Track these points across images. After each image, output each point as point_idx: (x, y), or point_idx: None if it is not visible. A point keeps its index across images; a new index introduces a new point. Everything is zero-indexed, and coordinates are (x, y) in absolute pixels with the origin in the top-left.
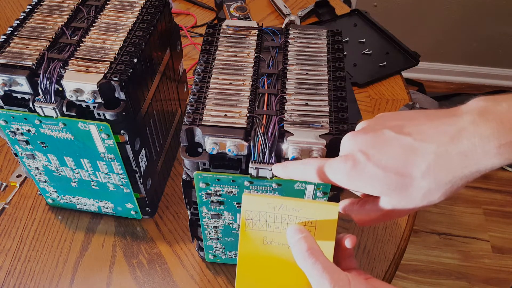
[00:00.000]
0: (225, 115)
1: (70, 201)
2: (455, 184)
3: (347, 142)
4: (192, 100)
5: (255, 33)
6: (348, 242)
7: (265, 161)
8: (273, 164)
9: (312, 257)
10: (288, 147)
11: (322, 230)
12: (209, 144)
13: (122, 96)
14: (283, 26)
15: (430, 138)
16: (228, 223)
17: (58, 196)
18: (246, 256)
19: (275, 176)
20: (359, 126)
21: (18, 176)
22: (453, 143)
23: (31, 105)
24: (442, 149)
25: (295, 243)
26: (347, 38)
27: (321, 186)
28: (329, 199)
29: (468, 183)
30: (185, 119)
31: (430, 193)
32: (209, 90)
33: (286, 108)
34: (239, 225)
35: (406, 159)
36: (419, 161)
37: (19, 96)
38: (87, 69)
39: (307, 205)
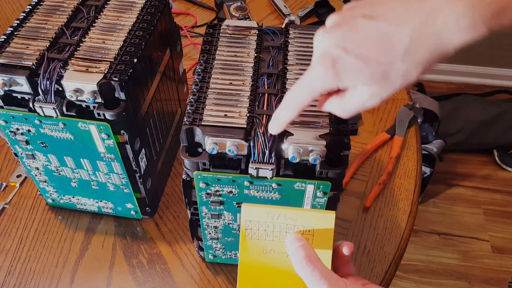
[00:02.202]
0: (225, 115)
1: (70, 201)
2: (431, 61)
3: (321, 40)
4: (192, 100)
5: (255, 33)
6: (346, 250)
7: (265, 161)
8: (273, 164)
9: (310, 264)
10: (288, 147)
11: (319, 238)
12: (209, 144)
13: (122, 96)
14: (283, 26)
15: (404, 21)
16: (228, 223)
17: (58, 196)
18: (247, 266)
19: (275, 176)
20: (329, 22)
21: (18, 176)
22: (427, 24)
23: (31, 105)
24: (417, 31)
25: (293, 251)
26: None
27: (321, 186)
28: (329, 199)
29: (443, 60)
30: (185, 119)
31: (408, 73)
32: (209, 90)
33: None
34: (239, 225)
35: (384, 46)
36: (397, 46)
37: (19, 96)
38: (87, 69)
39: (304, 214)
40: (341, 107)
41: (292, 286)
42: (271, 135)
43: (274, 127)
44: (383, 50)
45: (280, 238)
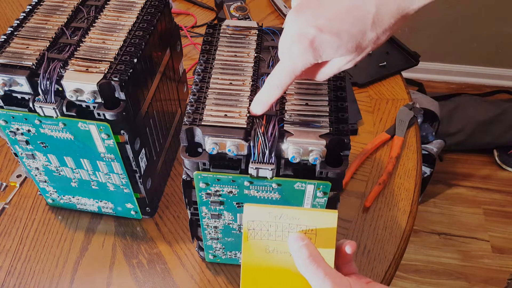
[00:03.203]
0: (225, 115)
1: (70, 201)
2: (397, 24)
3: (294, 21)
4: (192, 100)
5: (255, 33)
6: (348, 248)
7: (265, 161)
8: (273, 164)
9: (314, 263)
10: (288, 147)
11: (322, 237)
12: (209, 144)
13: (122, 96)
14: (283, 26)
15: None
16: (228, 223)
17: (58, 196)
18: (250, 266)
19: (275, 176)
20: (295, 1)
21: (18, 176)
22: None
23: (31, 105)
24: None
25: (296, 251)
26: None
27: (321, 186)
28: (329, 199)
29: (406, 21)
30: (185, 119)
31: (378, 39)
32: (209, 90)
33: (286, 108)
34: (239, 225)
35: (354, 18)
36: (365, 17)
37: (19, 96)
38: (87, 69)
39: (307, 213)
40: (318, 74)
41: (296, 286)
42: (271, 135)
43: (258, 108)
44: (353, 23)
45: (283, 237)
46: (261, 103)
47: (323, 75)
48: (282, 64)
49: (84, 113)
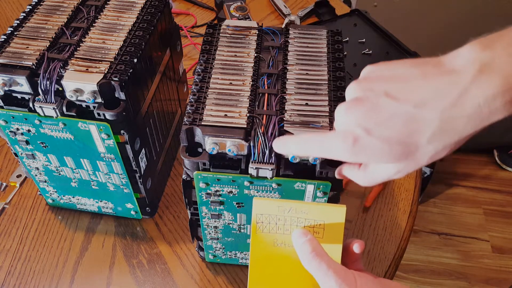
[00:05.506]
0: (225, 115)
1: (70, 201)
2: (461, 141)
3: (343, 117)
4: (192, 100)
5: (255, 33)
6: (357, 247)
7: (265, 161)
8: (273, 164)
9: (317, 258)
10: None
11: (330, 232)
12: (209, 144)
13: (122, 96)
14: (283, 26)
15: (430, 103)
16: (228, 223)
17: (58, 196)
18: (258, 259)
19: (275, 176)
20: (349, 94)
21: (18, 176)
22: (456, 107)
23: (31, 105)
24: (445, 115)
25: (299, 246)
26: (347, 38)
27: (321, 186)
28: (329, 199)
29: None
30: (185, 119)
31: (437, 154)
32: (209, 90)
33: (286, 108)
34: (239, 225)
35: (409, 129)
36: (423, 130)
37: (19, 96)
38: (87, 69)
39: (315, 207)
40: (363, 179)
41: (303, 278)
42: (271, 135)
43: (279, 148)
44: (408, 133)
45: (291, 231)
46: (284, 149)
47: (367, 180)
48: (320, 140)
49: (84, 113)
